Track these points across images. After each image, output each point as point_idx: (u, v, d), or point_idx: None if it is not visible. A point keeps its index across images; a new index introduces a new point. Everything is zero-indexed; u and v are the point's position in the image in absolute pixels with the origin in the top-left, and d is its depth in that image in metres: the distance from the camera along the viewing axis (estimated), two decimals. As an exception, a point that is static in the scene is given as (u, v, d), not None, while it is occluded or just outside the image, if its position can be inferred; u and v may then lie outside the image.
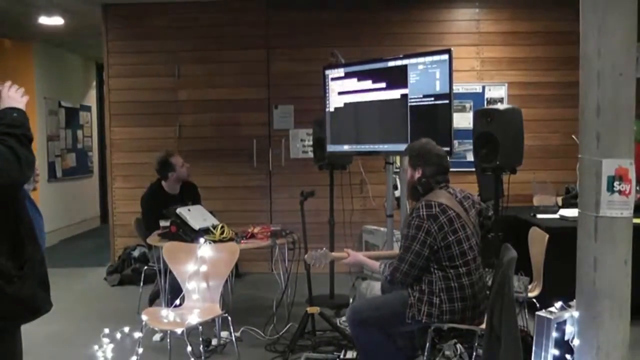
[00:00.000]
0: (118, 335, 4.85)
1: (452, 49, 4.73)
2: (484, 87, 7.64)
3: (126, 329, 4.82)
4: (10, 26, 8.68)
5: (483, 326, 3.69)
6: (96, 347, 4.74)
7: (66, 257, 8.93)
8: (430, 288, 3.62)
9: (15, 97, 2.45)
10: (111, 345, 4.74)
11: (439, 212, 3.60)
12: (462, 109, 7.53)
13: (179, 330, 4.11)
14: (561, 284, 4.08)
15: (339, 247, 5.82)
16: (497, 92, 7.63)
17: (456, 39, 7.63)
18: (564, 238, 4.26)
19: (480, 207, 3.99)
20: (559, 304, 4.24)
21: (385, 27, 7.70)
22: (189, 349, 4.24)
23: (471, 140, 4.85)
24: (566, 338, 4.13)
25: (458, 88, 7.36)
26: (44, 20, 8.16)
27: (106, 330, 4.88)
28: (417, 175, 3.82)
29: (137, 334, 4.40)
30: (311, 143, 6.38)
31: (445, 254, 3.59)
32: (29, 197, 2.60)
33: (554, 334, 4.13)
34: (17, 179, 2.28)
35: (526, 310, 4.77)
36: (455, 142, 7.06)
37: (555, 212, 5.96)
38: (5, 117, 2.35)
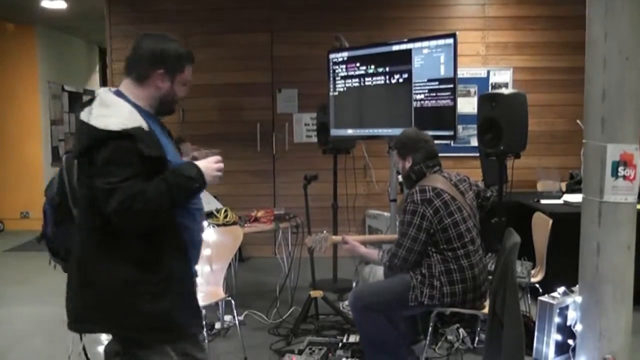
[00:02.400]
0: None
1: (457, 33, 4.71)
2: (488, 72, 7.60)
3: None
4: (13, 9, 8.65)
5: (485, 311, 3.70)
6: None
7: (70, 240, 8.96)
8: (430, 272, 3.63)
9: (210, 167, 2.45)
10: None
11: (433, 196, 3.61)
12: (467, 94, 7.50)
13: (182, 314, 4.12)
14: (564, 269, 4.08)
15: (342, 232, 5.85)
16: (502, 77, 7.59)
17: (461, 23, 7.58)
18: (567, 223, 4.25)
19: (478, 189, 3.99)
20: (561, 289, 4.25)
21: (390, 11, 7.66)
22: (193, 332, 4.25)
23: (475, 125, 4.84)
24: (568, 323, 4.14)
25: (463, 73, 7.33)
26: (47, 3, 8.11)
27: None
28: (408, 164, 3.84)
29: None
30: (315, 127, 6.36)
31: (442, 237, 3.60)
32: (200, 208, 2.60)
33: (557, 319, 4.14)
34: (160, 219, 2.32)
35: (529, 296, 4.78)
36: (460, 127, 7.05)
37: (559, 197, 5.95)
38: (178, 168, 2.39)
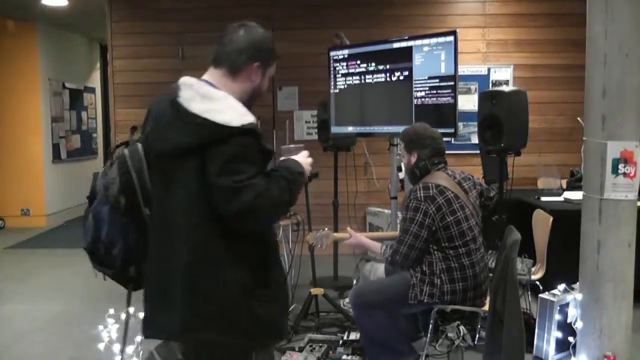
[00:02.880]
0: (123, 316, 4.87)
1: (457, 30, 4.71)
2: (489, 69, 7.60)
3: (131, 310, 4.84)
4: (14, 7, 8.66)
5: (486, 308, 3.70)
6: (101, 327, 4.76)
7: (71, 237, 8.95)
8: (431, 269, 3.62)
9: (306, 162, 2.39)
10: (116, 326, 4.77)
11: (436, 194, 3.60)
12: (467, 91, 7.50)
13: (183, 311, 4.11)
14: (565, 266, 4.09)
15: (343, 229, 5.84)
16: (503, 74, 7.59)
17: (462, 21, 7.58)
18: (568, 221, 4.26)
19: (481, 188, 3.98)
20: (562, 287, 4.26)
21: (391, 8, 7.66)
22: (193, 329, 4.25)
23: (476, 123, 4.84)
24: (569, 320, 4.14)
25: (463, 70, 7.33)
26: (48, 0, 8.12)
27: (111, 311, 4.90)
28: (413, 159, 3.83)
29: (142, 315, 4.42)
30: (316, 125, 6.36)
31: (444, 235, 3.59)
32: None
33: (557, 317, 4.15)
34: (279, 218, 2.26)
35: (529, 293, 4.78)
36: (460, 124, 7.05)
37: (559, 194, 5.95)
38: (288, 164, 2.31)
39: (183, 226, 2.16)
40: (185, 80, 2.23)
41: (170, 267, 2.18)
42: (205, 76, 2.32)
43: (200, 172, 2.10)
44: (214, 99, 2.15)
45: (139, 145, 2.28)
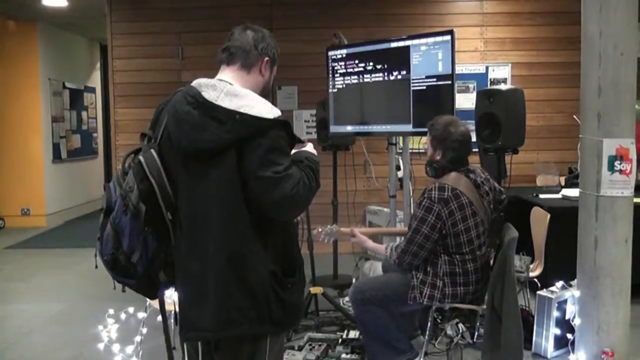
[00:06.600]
0: (122, 316, 4.90)
1: (454, 30, 4.71)
2: (487, 68, 7.62)
3: (130, 310, 4.87)
4: (15, 7, 8.69)
5: (485, 306, 3.71)
6: (101, 327, 4.79)
7: (71, 237, 8.99)
8: (435, 271, 3.60)
9: (315, 153, 2.43)
10: (116, 326, 4.80)
11: (450, 197, 3.51)
12: (466, 90, 7.52)
13: (183, 310, 4.13)
14: (563, 263, 4.12)
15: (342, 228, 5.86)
16: (501, 73, 7.61)
17: (460, 20, 7.60)
18: (566, 218, 4.28)
19: (494, 194, 3.78)
20: (560, 284, 4.29)
21: (389, 8, 7.68)
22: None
23: (474, 121, 4.85)
24: (567, 317, 4.17)
25: (462, 69, 7.36)
26: (48, 1, 8.14)
27: (111, 311, 4.93)
28: (437, 156, 3.69)
29: (142, 314, 4.45)
30: (315, 124, 6.38)
31: (453, 242, 3.55)
32: None
33: (555, 313, 4.18)
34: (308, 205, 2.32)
35: (528, 290, 4.80)
36: (459, 123, 7.05)
37: (557, 192, 5.97)
38: (305, 155, 2.36)
39: (219, 221, 2.20)
40: (203, 82, 2.26)
41: (208, 264, 2.22)
42: (220, 76, 2.37)
43: (234, 166, 2.16)
44: (240, 96, 2.21)
45: (153, 151, 2.28)
